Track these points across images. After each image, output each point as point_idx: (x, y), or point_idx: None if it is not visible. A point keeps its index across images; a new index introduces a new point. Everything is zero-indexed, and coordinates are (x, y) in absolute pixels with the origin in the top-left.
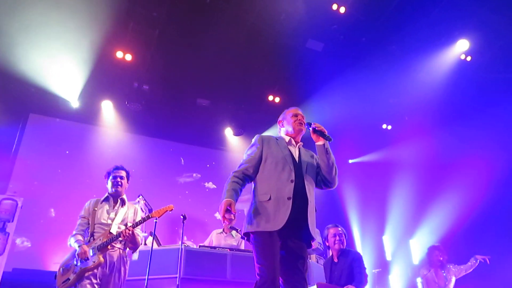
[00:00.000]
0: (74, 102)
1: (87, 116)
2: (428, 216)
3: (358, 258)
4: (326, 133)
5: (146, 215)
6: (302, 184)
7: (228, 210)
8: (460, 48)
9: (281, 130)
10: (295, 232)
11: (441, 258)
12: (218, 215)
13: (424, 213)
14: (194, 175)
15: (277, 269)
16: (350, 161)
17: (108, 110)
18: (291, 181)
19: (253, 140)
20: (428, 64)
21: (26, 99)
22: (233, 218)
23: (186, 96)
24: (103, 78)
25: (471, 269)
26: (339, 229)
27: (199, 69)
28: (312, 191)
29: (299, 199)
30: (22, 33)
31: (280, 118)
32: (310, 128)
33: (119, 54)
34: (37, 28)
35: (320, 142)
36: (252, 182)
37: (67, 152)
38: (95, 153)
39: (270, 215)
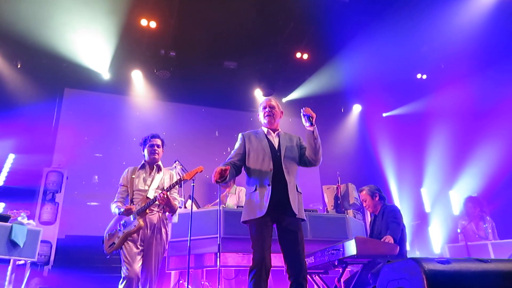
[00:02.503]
0: (105, 73)
1: (119, 86)
2: (468, 166)
3: (392, 210)
4: (313, 118)
5: (178, 178)
6: (281, 170)
7: (221, 174)
8: None
9: (261, 123)
10: (283, 211)
11: (478, 209)
12: None
13: (463, 163)
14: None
15: (267, 250)
16: (384, 114)
17: (138, 79)
18: (270, 169)
19: (238, 139)
20: (464, 5)
21: (60, 74)
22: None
23: (213, 60)
24: (131, 48)
25: None
26: (363, 193)
27: (223, 30)
28: (292, 174)
29: (279, 184)
30: (50, 9)
31: (258, 112)
32: (301, 111)
33: (144, 22)
34: (62, 2)
35: (309, 128)
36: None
37: (102, 122)
38: (128, 122)
39: (257, 204)
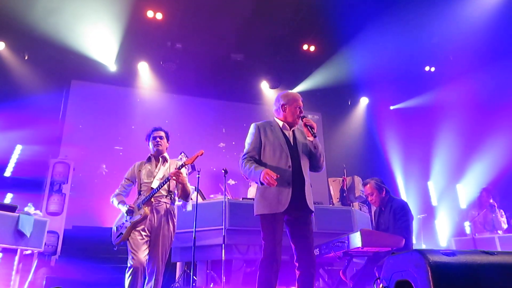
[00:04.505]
0: (111, 65)
1: (125, 78)
2: (476, 160)
3: (402, 207)
4: (315, 129)
5: (181, 163)
6: (299, 167)
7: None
8: None
9: (279, 113)
10: (300, 208)
11: (491, 201)
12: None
13: (471, 156)
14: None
15: (278, 243)
16: (392, 107)
17: (144, 71)
18: (289, 166)
19: (250, 130)
20: None
21: (67, 66)
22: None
23: (219, 52)
24: (137, 40)
25: None
26: (368, 186)
27: (230, 22)
28: (307, 170)
29: (298, 181)
30: (57, 1)
31: (283, 102)
32: (302, 121)
33: (150, 14)
34: None
35: (310, 138)
36: None
37: (109, 114)
38: (134, 113)
39: (274, 199)
